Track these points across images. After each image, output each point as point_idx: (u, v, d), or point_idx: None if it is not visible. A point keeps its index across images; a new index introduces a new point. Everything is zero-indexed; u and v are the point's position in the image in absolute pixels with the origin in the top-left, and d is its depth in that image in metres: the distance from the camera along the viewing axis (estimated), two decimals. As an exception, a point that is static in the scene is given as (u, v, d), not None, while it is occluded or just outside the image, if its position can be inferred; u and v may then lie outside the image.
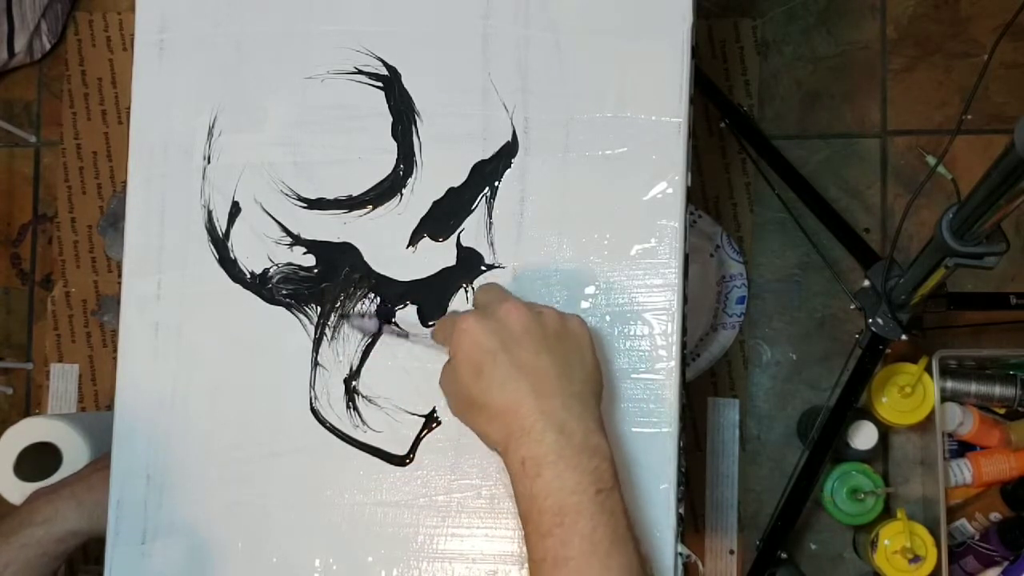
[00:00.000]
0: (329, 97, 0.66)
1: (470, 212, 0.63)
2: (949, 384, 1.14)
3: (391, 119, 0.65)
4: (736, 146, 1.30)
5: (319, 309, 0.64)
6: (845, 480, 1.17)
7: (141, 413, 0.65)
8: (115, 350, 0.71)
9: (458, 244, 0.63)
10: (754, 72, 1.32)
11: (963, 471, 1.15)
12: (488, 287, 0.58)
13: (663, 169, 0.61)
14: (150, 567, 0.64)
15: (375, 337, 0.63)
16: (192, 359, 0.65)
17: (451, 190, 0.63)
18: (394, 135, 0.65)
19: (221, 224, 0.66)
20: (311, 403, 0.63)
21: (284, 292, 0.65)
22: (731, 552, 1.25)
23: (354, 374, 0.63)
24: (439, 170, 0.64)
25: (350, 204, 0.65)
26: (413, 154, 0.64)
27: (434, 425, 0.62)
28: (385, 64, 0.65)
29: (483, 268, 0.62)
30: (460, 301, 0.63)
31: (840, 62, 1.31)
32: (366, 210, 0.64)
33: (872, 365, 1.05)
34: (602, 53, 0.62)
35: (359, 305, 0.64)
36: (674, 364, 0.59)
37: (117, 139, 1.46)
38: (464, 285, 0.63)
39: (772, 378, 1.28)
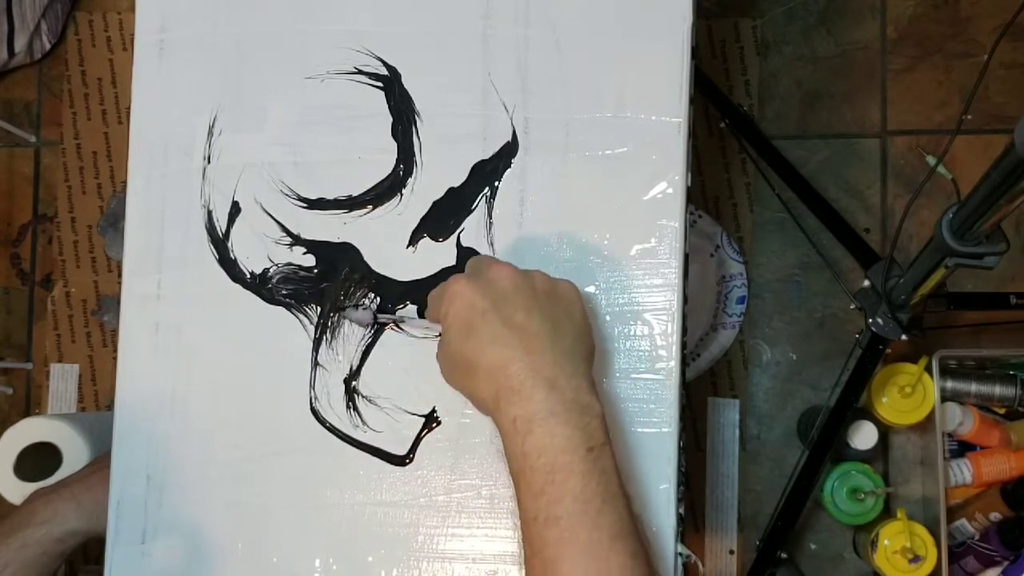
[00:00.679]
0: (329, 97, 0.66)
1: (470, 212, 0.63)
2: (949, 384, 1.14)
3: (391, 119, 0.65)
4: (736, 146, 1.30)
5: (319, 309, 0.64)
6: (845, 480, 1.17)
7: (141, 413, 0.65)
8: (115, 350, 0.71)
9: (458, 244, 0.63)
10: (754, 72, 1.32)
11: (963, 471, 1.15)
12: (479, 256, 0.59)
13: (663, 169, 0.61)
14: (150, 567, 0.64)
15: (375, 336, 0.63)
16: (192, 359, 0.65)
17: (451, 190, 0.63)
18: (394, 135, 0.65)
19: (221, 224, 0.66)
20: (311, 403, 0.63)
21: (284, 292, 0.65)
22: (731, 552, 1.25)
23: (354, 374, 0.63)
24: (439, 170, 0.64)
25: (350, 204, 0.65)
26: (413, 154, 0.64)
27: (434, 425, 0.62)
28: (385, 64, 0.65)
29: None
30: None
31: (840, 62, 1.31)
32: (366, 210, 0.64)
33: (872, 365, 1.05)
34: (602, 53, 0.62)
35: (353, 299, 0.64)
36: (674, 364, 0.59)
37: (117, 139, 1.46)
38: None
39: (772, 378, 1.28)
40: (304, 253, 0.65)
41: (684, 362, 0.60)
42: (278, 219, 0.65)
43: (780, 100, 1.32)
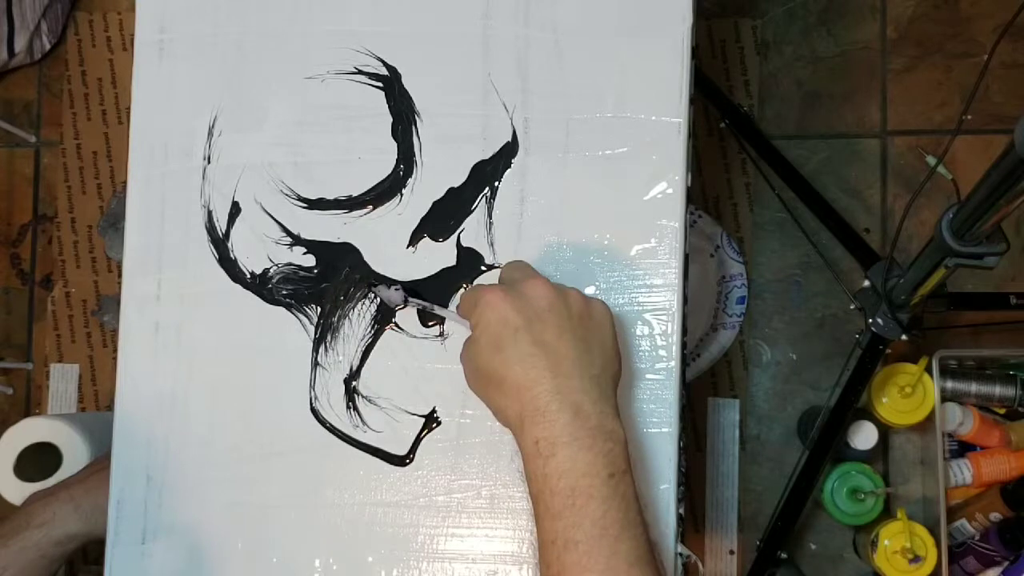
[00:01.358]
0: (329, 97, 0.66)
1: (470, 212, 0.63)
2: (949, 384, 1.14)
3: (391, 119, 0.65)
4: (736, 146, 1.30)
5: (319, 309, 0.64)
6: (845, 480, 1.17)
7: (141, 413, 0.65)
8: (115, 350, 0.71)
9: (458, 244, 0.63)
10: (754, 72, 1.32)
11: (963, 471, 1.15)
12: (516, 263, 0.58)
13: (663, 169, 0.61)
14: (150, 567, 0.64)
15: (375, 336, 0.63)
16: (192, 359, 0.65)
17: (451, 190, 0.63)
18: (394, 135, 0.65)
19: (221, 224, 0.66)
20: (311, 403, 0.63)
21: (284, 292, 0.65)
22: (731, 552, 1.25)
23: (354, 374, 0.63)
24: (439, 170, 0.64)
25: (350, 204, 0.65)
26: (413, 154, 0.64)
27: (434, 425, 0.62)
28: (385, 64, 0.65)
29: (483, 268, 0.62)
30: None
31: (840, 62, 1.31)
32: (366, 210, 0.64)
33: (872, 365, 1.05)
34: (602, 53, 0.62)
35: (353, 297, 0.64)
36: (674, 364, 0.59)
37: (117, 139, 1.46)
38: (464, 285, 0.63)
39: (772, 378, 1.28)
40: (304, 253, 0.65)
41: (684, 362, 0.60)
42: (278, 219, 0.65)
43: (780, 100, 1.32)
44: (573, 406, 0.49)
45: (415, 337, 0.63)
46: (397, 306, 0.63)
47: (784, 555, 1.09)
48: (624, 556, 0.47)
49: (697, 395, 1.27)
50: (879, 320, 1.01)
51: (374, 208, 0.64)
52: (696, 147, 1.26)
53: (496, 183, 0.63)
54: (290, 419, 0.63)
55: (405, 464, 0.62)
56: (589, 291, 0.60)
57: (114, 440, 0.66)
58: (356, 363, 0.63)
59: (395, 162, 0.64)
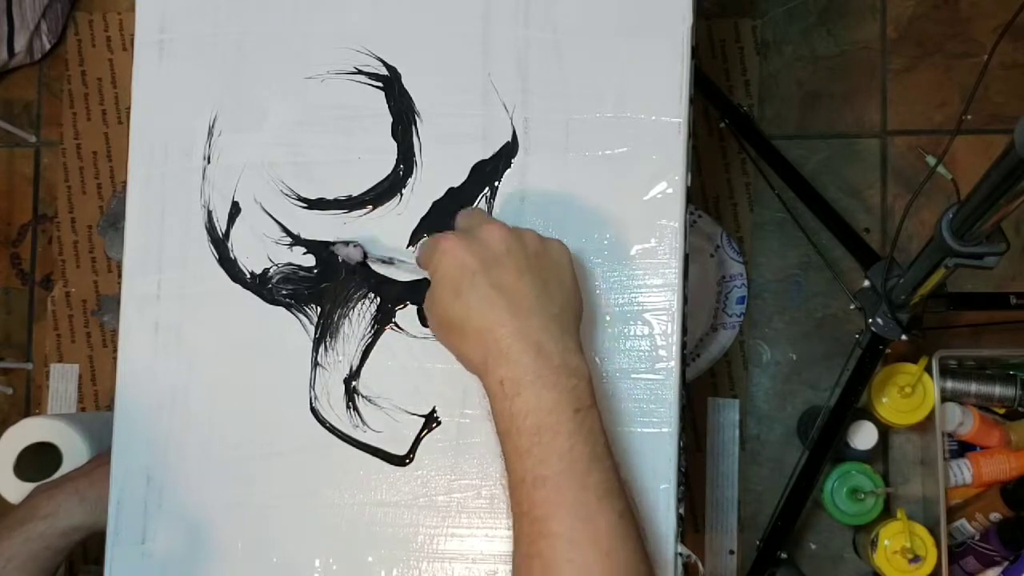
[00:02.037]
0: (329, 97, 0.66)
1: (470, 212, 0.63)
2: (949, 384, 1.14)
3: (391, 119, 0.65)
4: (736, 146, 1.30)
5: (319, 309, 0.64)
6: (845, 480, 1.17)
7: (141, 413, 0.65)
8: (115, 350, 0.71)
9: (458, 244, 0.63)
10: (754, 72, 1.32)
11: (963, 471, 1.15)
12: (470, 210, 0.59)
13: (663, 169, 0.61)
14: (150, 567, 0.64)
15: (375, 336, 0.63)
16: (192, 359, 0.65)
17: (451, 190, 0.63)
18: (394, 135, 0.65)
19: (221, 224, 0.66)
20: (311, 403, 0.63)
21: (284, 292, 0.65)
22: (731, 552, 1.25)
23: (354, 374, 0.63)
24: (439, 170, 0.64)
25: (350, 204, 0.65)
26: (413, 154, 0.64)
27: (434, 425, 0.62)
28: (385, 64, 0.65)
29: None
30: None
31: (840, 62, 1.31)
32: (366, 210, 0.64)
33: (872, 365, 1.05)
34: (602, 53, 0.62)
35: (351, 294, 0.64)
36: (674, 364, 0.59)
37: (117, 139, 1.46)
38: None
39: (772, 378, 1.28)
40: (304, 253, 0.65)
41: (684, 362, 0.60)
42: (278, 219, 0.65)
43: (780, 100, 1.32)
44: (535, 346, 0.49)
45: (415, 337, 0.63)
46: (356, 262, 0.62)
47: (784, 555, 1.09)
48: (594, 489, 0.47)
49: (697, 395, 1.27)
50: (879, 320, 1.01)
51: (374, 208, 0.64)
52: (696, 147, 1.26)
53: (496, 183, 0.63)
54: (290, 419, 0.63)
55: (405, 464, 0.62)
56: (589, 291, 0.60)
57: (114, 440, 0.66)
58: (356, 363, 0.63)
59: (395, 162, 0.64)
